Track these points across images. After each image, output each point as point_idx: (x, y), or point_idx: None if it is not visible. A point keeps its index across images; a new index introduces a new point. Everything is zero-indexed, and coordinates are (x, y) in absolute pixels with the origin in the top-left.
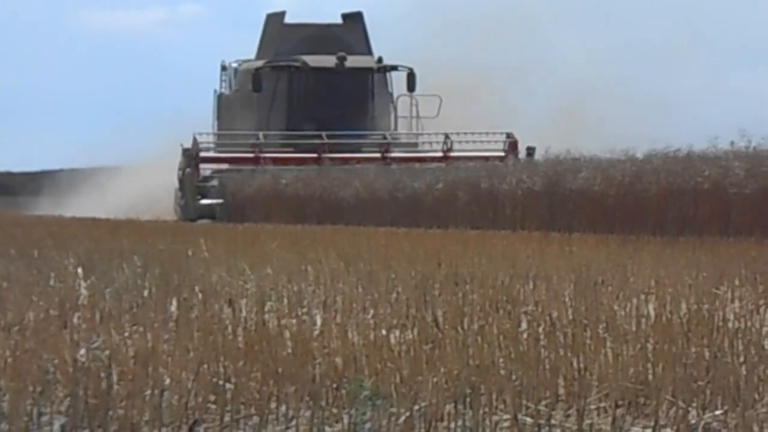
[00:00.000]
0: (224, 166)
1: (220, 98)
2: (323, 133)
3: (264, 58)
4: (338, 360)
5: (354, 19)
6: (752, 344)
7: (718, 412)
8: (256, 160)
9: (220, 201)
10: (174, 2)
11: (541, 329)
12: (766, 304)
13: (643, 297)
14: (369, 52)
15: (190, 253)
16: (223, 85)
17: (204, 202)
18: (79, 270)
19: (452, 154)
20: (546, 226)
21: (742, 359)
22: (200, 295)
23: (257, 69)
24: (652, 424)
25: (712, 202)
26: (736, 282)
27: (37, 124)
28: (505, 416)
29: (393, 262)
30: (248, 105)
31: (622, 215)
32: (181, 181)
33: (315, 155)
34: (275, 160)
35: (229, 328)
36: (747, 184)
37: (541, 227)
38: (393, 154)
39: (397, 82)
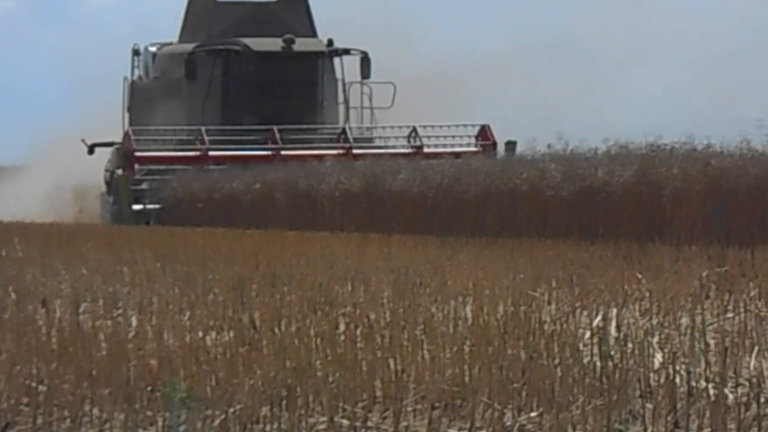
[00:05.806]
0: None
1: (133, 87)
2: (275, 128)
3: (191, 41)
4: (153, 362)
5: None
6: (568, 346)
7: (533, 414)
8: (201, 159)
9: (157, 206)
10: None
11: (358, 331)
12: (582, 306)
13: (461, 299)
14: (314, 34)
15: (3, 252)
16: (136, 72)
17: (138, 207)
18: None
19: (425, 149)
20: (365, 227)
21: (557, 361)
22: (13, 296)
23: (190, 54)
24: (468, 425)
25: (529, 204)
26: (553, 284)
27: None
28: (322, 418)
29: (210, 263)
30: (174, 95)
31: (440, 217)
32: (109, 183)
33: (269, 153)
34: (224, 159)
35: (43, 329)
36: (564, 186)
37: (360, 228)
38: (361, 151)
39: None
